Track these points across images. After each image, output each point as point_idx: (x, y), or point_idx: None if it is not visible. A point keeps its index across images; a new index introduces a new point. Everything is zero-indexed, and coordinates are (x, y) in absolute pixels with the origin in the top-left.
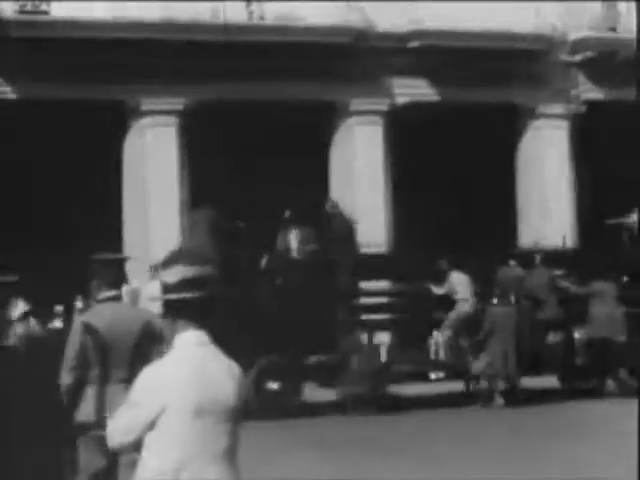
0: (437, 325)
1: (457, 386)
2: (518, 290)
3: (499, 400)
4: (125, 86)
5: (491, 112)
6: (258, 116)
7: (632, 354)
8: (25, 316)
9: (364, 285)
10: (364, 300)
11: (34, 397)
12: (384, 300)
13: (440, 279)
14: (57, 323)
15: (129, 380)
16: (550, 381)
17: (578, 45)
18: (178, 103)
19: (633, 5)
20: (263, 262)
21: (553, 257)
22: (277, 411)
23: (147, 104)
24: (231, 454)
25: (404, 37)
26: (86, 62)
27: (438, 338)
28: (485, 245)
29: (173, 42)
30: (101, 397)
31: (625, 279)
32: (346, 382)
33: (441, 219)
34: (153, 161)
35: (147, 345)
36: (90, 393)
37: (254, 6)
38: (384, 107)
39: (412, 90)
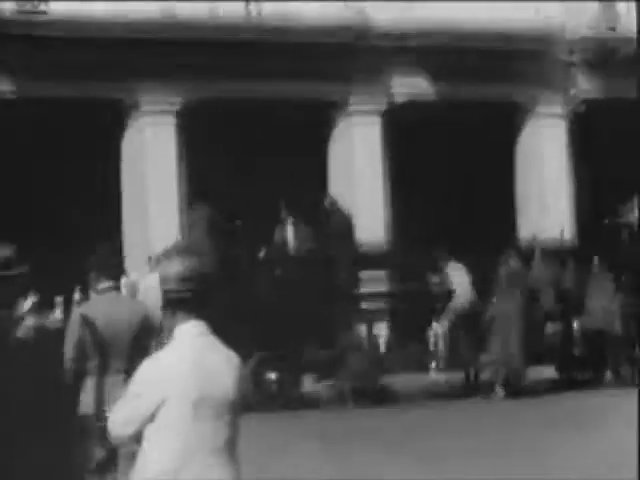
0: (436, 317)
1: (457, 377)
2: (518, 284)
3: (500, 392)
4: (123, 84)
5: (490, 110)
6: (257, 114)
7: (628, 346)
8: (34, 308)
9: (363, 276)
10: (363, 289)
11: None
12: (383, 290)
13: (438, 269)
14: (57, 315)
15: (128, 371)
16: (548, 372)
17: (577, 44)
18: (176, 101)
19: (633, 5)
20: (261, 254)
21: (552, 251)
22: (276, 403)
23: (146, 102)
24: (231, 446)
25: (403, 36)
26: (84, 60)
27: (437, 330)
28: (484, 240)
29: (172, 40)
30: (100, 388)
31: (624, 275)
32: (344, 377)
33: (440, 216)
34: (152, 158)
35: (145, 337)
36: (90, 385)
37: (252, 5)
38: (383, 106)
39: (411, 89)
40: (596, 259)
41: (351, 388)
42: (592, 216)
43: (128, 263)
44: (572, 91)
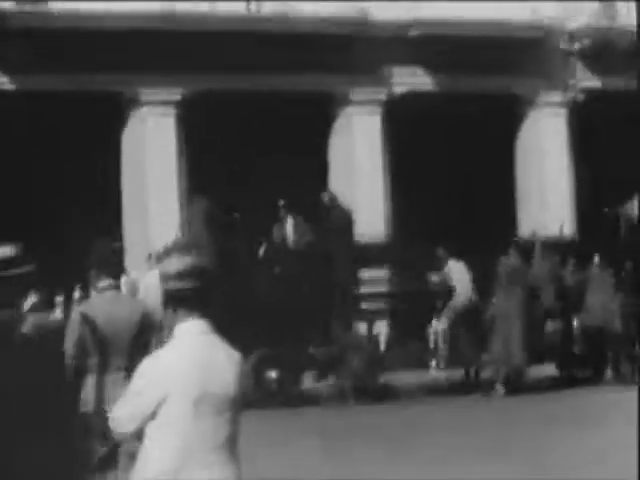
0: (436, 314)
1: (457, 375)
2: (518, 281)
3: (500, 389)
4: (123, 77)
5: (490, 101)
6: (257, 106)
7: (628, 344)
8: (38, 305)
9: (363, 274)
10: (363, 289)
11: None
12: (383, 289)
13: (438, 267)
14: (58, 313)
15: (128, 369)
16: (548, 369)
17: (576, 34)
18: (176, 94)
19: (633, 5)
20: (261, 251)
21: (552, 246)
22: (277, 400)
23: (145, 95)
24: (232, 443)
25: (403, 27)
26: (84, 53)
27: (437, 327)
28: (484, 235)
29: (171, 33)
30: (100, 386)
31: (627, 267)
32: (344, 375)
33: (440, 209)
34: (152, 151)
35: (145, 335)
36: (90, 383)
37: (253, 5)
38: (383, 97)
39: (411, 80)
40: (596, 255)
41: (351, 386)
42: (592, 210)
43: (128, 261)
44: (571, 81)
